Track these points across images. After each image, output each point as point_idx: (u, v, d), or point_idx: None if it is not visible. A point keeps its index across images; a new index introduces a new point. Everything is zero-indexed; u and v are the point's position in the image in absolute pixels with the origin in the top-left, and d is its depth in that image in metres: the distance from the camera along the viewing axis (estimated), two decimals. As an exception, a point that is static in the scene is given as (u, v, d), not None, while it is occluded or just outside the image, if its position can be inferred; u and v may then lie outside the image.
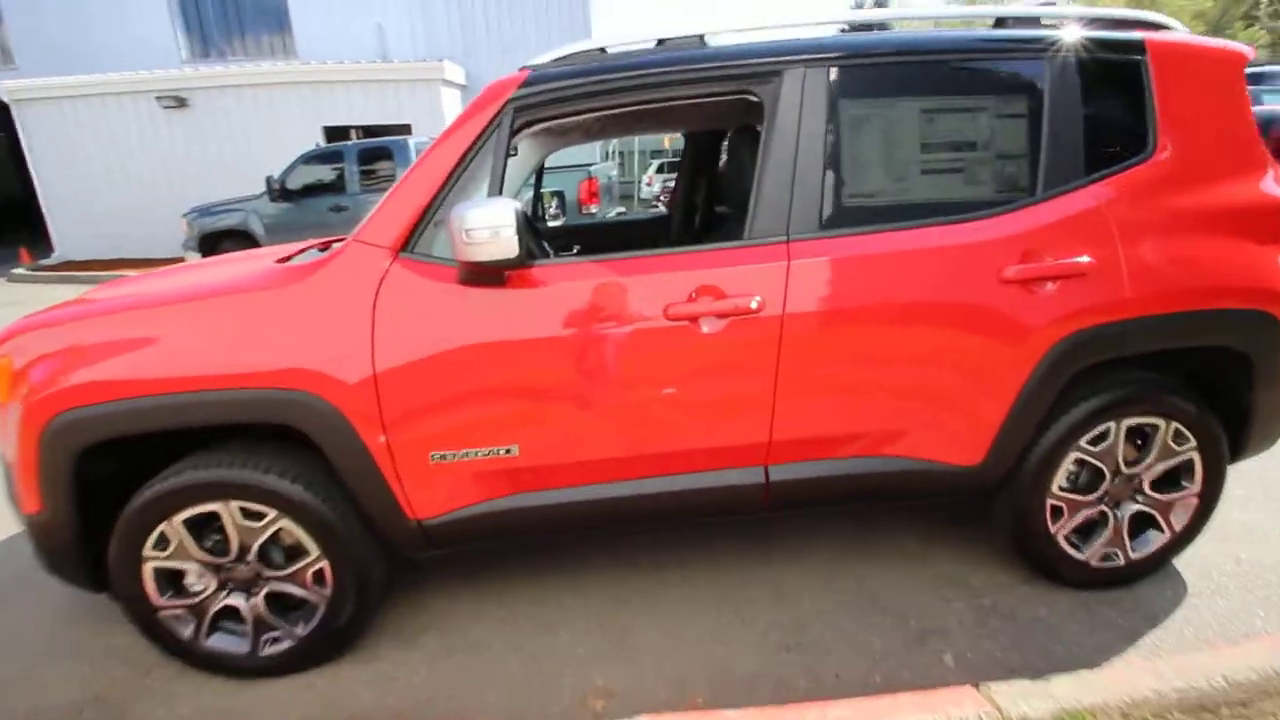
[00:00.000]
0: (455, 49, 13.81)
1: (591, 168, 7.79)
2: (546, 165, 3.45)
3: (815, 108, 1.74)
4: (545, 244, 2.21)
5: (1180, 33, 1.98)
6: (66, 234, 12.29)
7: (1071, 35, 1.86)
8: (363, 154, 8.17)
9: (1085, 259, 1.79)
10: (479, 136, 1.69)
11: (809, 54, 1.75)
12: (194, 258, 7.98)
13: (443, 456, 1.70)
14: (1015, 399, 1.84)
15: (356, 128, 11.80)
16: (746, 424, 1.80)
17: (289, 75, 11.88)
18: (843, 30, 1.92)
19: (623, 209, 9.84)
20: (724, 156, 2.78)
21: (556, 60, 1.75)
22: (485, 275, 1.63)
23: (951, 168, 1.83)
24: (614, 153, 17.44)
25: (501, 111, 1.69)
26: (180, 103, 11.66)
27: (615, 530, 2.07)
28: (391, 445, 1.67)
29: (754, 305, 1.69)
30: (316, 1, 14.32)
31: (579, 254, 3.27)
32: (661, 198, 13.21)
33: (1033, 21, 1.91)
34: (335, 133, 11.67)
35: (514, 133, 1.71)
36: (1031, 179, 1.84)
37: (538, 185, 3.16)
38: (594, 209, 7.66)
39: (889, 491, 1.94)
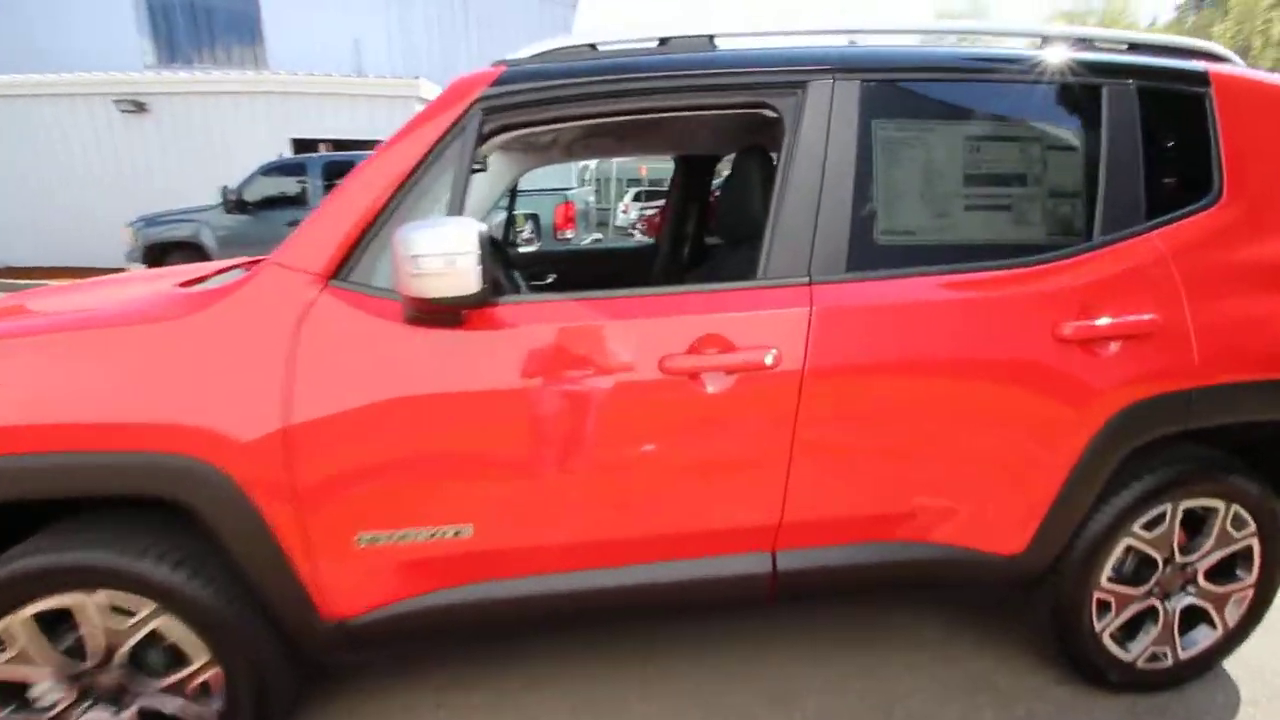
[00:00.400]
0: (434, 68, 13.55)
1: (569, 192, 7.51)
2: (521, 187, 3.16)
3: (845, 126, 1.47)
4: (517, 274, 1.89)
5: (1239, 66, 1.77)
6: (8, 239, 11.55)
7: (1129, 61, 1.63)
8: (328, 167, 7.74)
9: (1150, 316, 1.53)
10: (439, 141, 1.37)
11: (839, 64, 1.48)
12: (137, 270, 7.44)
13: (374, 539, 1.34)
14: (1067, 477, 1.56)
15: (326, 141, 11.40)
16: (754, 501, 1.48)
17: (256, 84, 11.46)
18: (850, 43, 1.67)
19: (599, 236, 9.57)
20: (719, 180, 2.51)
21: (538, 56, 1.45)
22: (438, 314, 1.29)
23: (998, 204, 1.57)
24: (591, 178, 17.30)
25: (468, 113, 1.38)
26: (139, 107, 11.14)
27: (586, 621, 1.72)
28: (306, 523, 1.31)
29: (769, 361, 1.38)
30: (291, 13, 13.99)
31: (555, 283, 2.96)
32: (638, 226, 13.04)
33: (1085, 43, 1.68)
34: (304, 146, 11.25)
35: (482, 139, 1.40)
36: (1088, 221, 1.59)
37: (510, 207, 2.85)
38: (570, 234, 7.37)
39: (915, 582, 1.64)
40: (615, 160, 16.62)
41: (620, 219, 15.28)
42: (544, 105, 1.40)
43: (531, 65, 1.43)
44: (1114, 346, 1.52)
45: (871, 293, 1.46)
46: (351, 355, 1.32)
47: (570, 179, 8.09)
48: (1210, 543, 1.75)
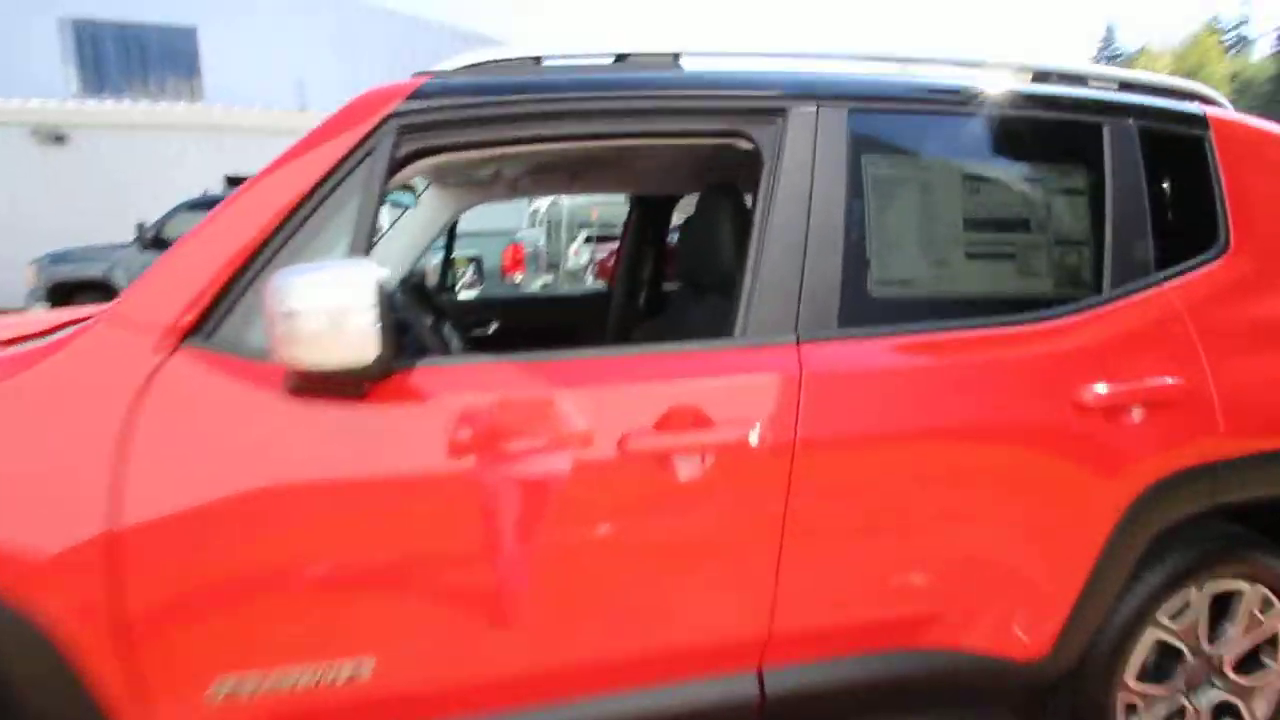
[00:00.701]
0: (380, 107, 13.27)
1: (518, 234, 7.27)
2: (466, 230, 2.89)
3: (832, 161, 1.26)
4: (448, 327, 1.61)
5: (1230, 110, 1.67)
6: (-102, 277, 10.54)
7: (1128, 100, 1.50)
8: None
9: (1174, 380, 1.35)
10: (339, 164, 1.08)
11: (824, 90, 1.28)
12: (40, 311, 6.77)
13: (237, 686, 1.00)
14: (1095, 564, 1.35)
15: (263, 179, 10.89)
16: (736, 610, 1.21)
17: (189, 117, 10.98)
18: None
19: (549, 279, 9.32)
20: (680, 220, 2.29)
21: (469, 68, 1.20)
22: (331, 385, 0.99)
23: (1002, 252, 1.38)
24: (542, 220, 17.10)
25: (378, 131, 1.10)
26: (60, 139, 10.46)
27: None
28: (138, 667, 0.96)
29: (753, 439, 1.13)
30: (232, 46, 13.60)
31: (499, 332, 2.67)
32: (590, 269, 12.86)
33: (1077, 80, 1.54)
34: (240, 184, 10.72)
35: (397, 165, 1.12)
36: (1096, 273, 1.42)
37: (449, 248, 2.57)
38: (519, 277, 7.10)
39: (923, 696, 1.38)
40: (566, 202, 16.55)
41: (571, 262, 15.09)
42: (474, 126, 1.14)
43: (460, 79, 1.18)
44: (1137, 414, 1.33)
45: (869, 354, 1.23)
46: (210, 435, 1.00)
47: (521, 220, 7.86)
48: (1236, 629, 1.56)
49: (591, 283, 11.52)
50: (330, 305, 0.87)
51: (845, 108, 1.28)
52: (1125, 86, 1.60)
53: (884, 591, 1.27)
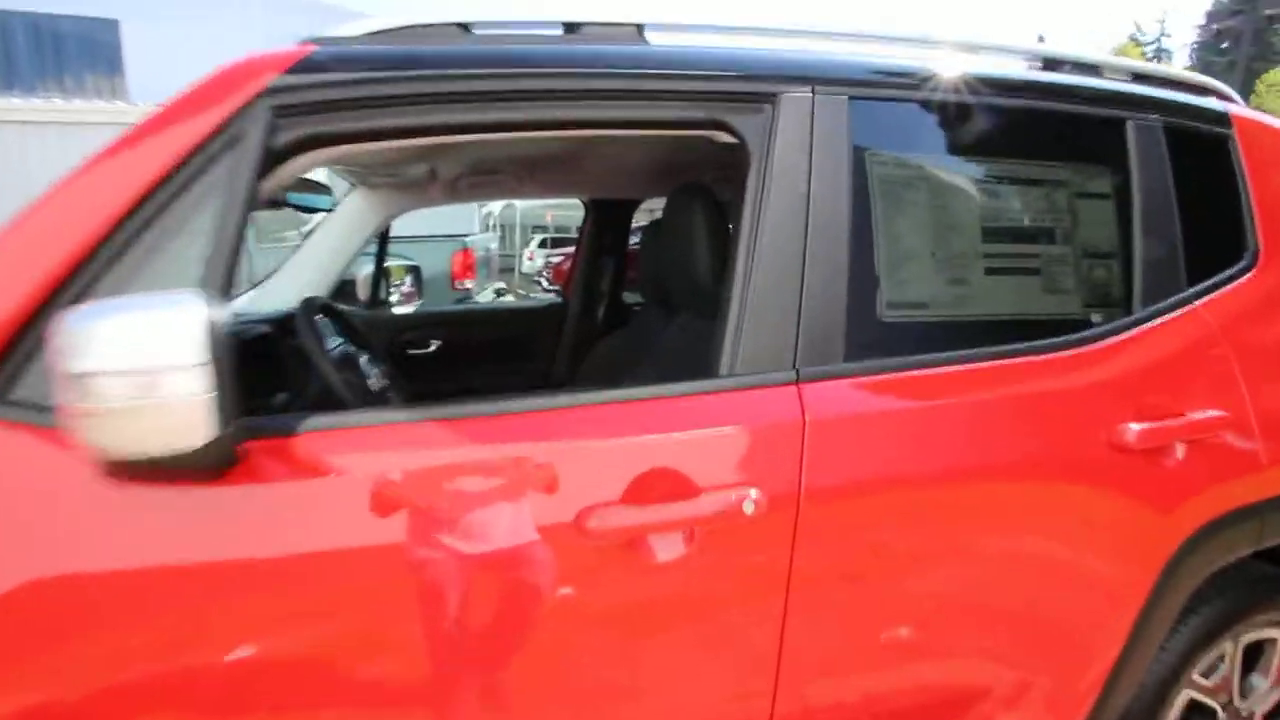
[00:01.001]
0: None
1: (467, 239, 6.89)
2: (411, 232, 2.59)
3: (832, 157, 1.03)
4: (365, 359, 1.33)
5: (1246, 109, 1.52)
6: None
7: (1151, 93, 1.32)
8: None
9: (1217, 412, 1.18)
10: (187, 159, 0.80)
11: (821, 73, 1.06)
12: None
13: None
14: (1132, 627, 1.16)
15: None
16: (727, 711, 0.97)
17: (111, 116, 10.18)
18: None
19: (502, 285, 8.96)
20: (643, 225, 2.05)
21: (372, 35, 0.93)
22: (160, 470, 0.71)
23: (1025, 266, 1.18)
24: (496, 224, 16.66)
25: (243, 113, 0.82)
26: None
27: None
28: None
29: (749, 506, 0.89)
30: (156, 44, 12.78)
31: (440, 351, 2.38)
32: (545, 274, 12.55)
33: (1091, 70, 1.36)
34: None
35: (274, 157, 0.84)
36: (1125, 289, 1.23)
37: (381, 257, 2.27)
38: (469, 284, 6.73)
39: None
40: (520, 205, 16.14)
41: (526, 266, 14.74)
42: (379, 108, 0.87)
43: (360, 48, 0.91)
44: (1180, 451, 1.15)
45: (884, 393, 1.01)
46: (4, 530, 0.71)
47: (472, 224, 7.49)
48: (1268, 681, 1.40)
49: (547, 286, 11.21)
50: (139, 364, 0.59)
51: (846, 94, 1.06)
52: (1139, 78, 1.43)
53: (904, 683, 1.06)
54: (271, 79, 0.84)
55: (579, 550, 0.84)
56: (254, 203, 0.81)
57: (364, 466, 0.80)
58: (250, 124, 0.82)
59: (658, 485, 0.88)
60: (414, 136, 0.93)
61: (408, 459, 0.82)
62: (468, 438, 0.84)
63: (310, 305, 1.20)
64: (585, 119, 0.98)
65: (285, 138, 0.84)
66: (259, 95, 0.83)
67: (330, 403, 1.11)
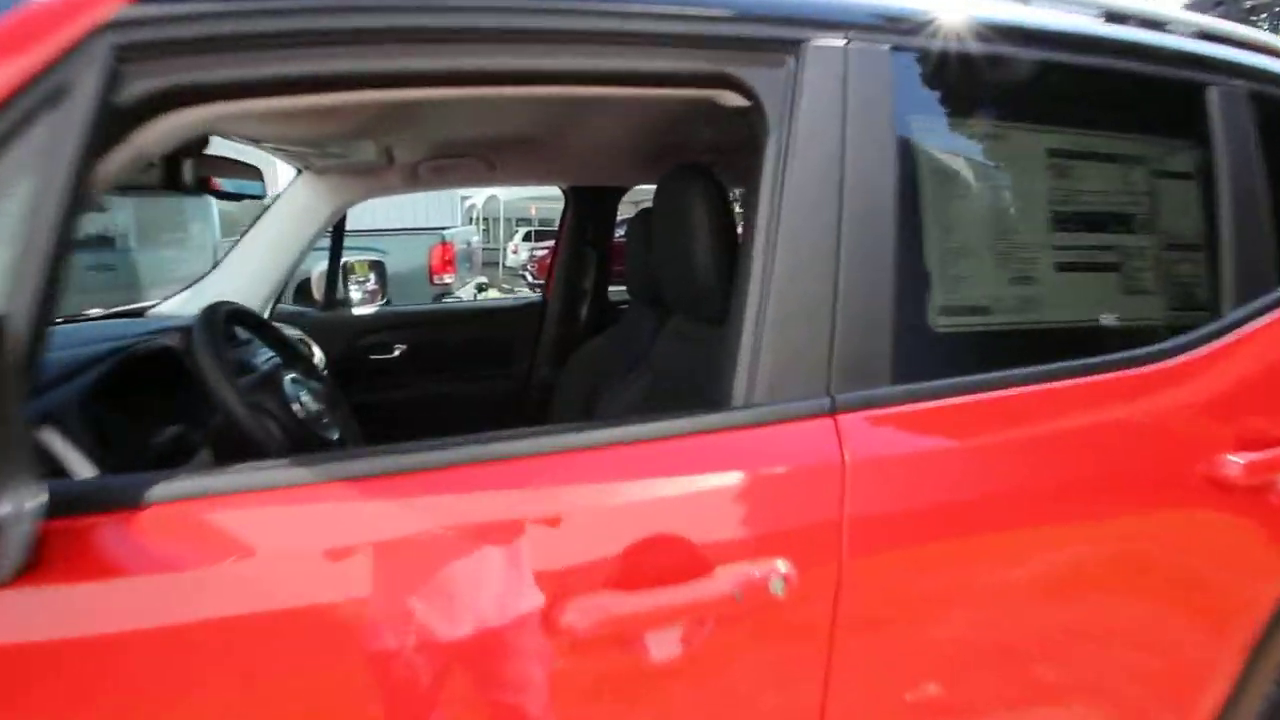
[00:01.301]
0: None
1: (446, 232, 6.60)
2: (387, 225, 2.31)
3: (872, 124, 0.81)
4: (291, 378, 1.09)
5: None
6: None
7: (1237, 57, 1.11)
8: (144, 201, 6.39)
9: (1328, 435, 0.97)
10: None
11: (856, 17, 0.83)
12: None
13: None
14: (1233, 686, 0.96)
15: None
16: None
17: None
18: None
19: (484, 280, 8.67)
20: (632, 214, 1.80)
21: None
22: None
23: (1098, 262, 0.97)
24: (479, 217, 16.31)
25: (72, 56, 0.58)
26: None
27: None
28: None
29: (776, 586, 0.67)
30: None
31: (404, 357, 2.15)
32: (529, 267, 12.29)
33: (1155, 25, 1.15)
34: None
35: (123, 118, 0.60)
36: (1213, 287, 1.02)
37: (336, 252, 2.02)
38: (449, 279, 6.44)
39: None
40: (503, 198, 15.80)
41: (510, 259, 14.47)
42: (270, 49, 0.63)
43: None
44: (1283, 486, 0.95)
45: (942, 424, 0.79)
46: None
47: (456, 217, 7.21)
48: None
49: (532, 281, 10.92)
50: None
51: (889, 43, 0.83)
52: (1205, 37, 1.22)
53: None
54: (116, 10, 0.60)
55: (547, 655, 0.62)
56: (87, 183, 0.57)
57: (223, 554, 0.57)
58: (82, 71, 0.58)
59: (654, 559, 0.65)
60: (325, 90, 0.69)
61: (290, 537, 0.59)
62: (388, 501, 0.61)
63: (214, 313, 0.96)
64: (549, 70, 0.75)
65: (135, 90, 0.60)
66: (95, 30, 0.59)
67: (231, 439, 0.88)
